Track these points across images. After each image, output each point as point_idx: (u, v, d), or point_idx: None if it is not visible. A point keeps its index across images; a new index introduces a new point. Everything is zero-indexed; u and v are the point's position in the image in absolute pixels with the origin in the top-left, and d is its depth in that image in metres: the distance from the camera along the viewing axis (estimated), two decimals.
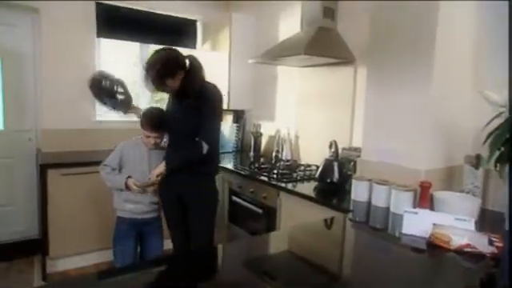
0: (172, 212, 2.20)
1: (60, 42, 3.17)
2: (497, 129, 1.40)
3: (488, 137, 1.41)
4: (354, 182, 2.02)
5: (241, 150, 3.68)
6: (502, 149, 1.37)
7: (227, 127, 3.79)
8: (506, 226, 1.51)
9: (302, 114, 3.03)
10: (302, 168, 2.66)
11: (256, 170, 2.69)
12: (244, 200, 2.65)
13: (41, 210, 2.84)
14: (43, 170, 2.72)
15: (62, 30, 3.18)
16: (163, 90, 2.05)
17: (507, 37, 1.66)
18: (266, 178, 2.47)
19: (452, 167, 1.92)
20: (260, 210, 2.47)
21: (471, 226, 1.39)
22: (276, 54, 2.60)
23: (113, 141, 2.41)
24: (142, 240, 2.34)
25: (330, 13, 2.57)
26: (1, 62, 3.05)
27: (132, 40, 3.62)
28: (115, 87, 2.27)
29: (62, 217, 2.78)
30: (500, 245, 1.25)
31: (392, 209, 1.79)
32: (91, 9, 3.29)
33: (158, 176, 2.08)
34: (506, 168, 1.39)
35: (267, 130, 3.38)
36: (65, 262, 2.90)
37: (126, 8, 3.45)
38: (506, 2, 1.75)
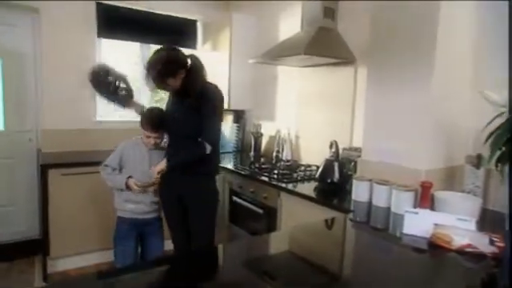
0: (172, 212, 2.20)
1: (60, 42, 3.17)
2: (498, 128, 1.39)
3: (489, 136, 1.41)
4: (354, 182, 2.02)
5: (241, 150, 3.68)
6: (503, 148, 1.37)
7: (227, 127, 3.79)
8: (507, 226, 1.50)
9: (302, 114, 3.03)
10: (303, 168, 2.65)
11: (256, 170, 2.69)
12: (244, 200, 2.65)
13: (41, 210, 2.85)
14: (44, 170, 2.72)
15: (62, 30, 3.18)
16: (164, 89, 2.06)
17: (507, 37, 1.66)
18: (266, 178, 2.47)
19: (453, 167, 1.92)
20: (260, 210, 2.47)
21: (472, 226, 1.39)
22: (276, 54, 2.60)
23: (113, 141, 2.42)
24: (142, 240, 2.34)
25: (330, 13, 2.57)
26: (1, 63, 3.05)
27: (132, 40, 3.62)
28: (116, 81, 2.25)
29: (62, 217, 2.78)
30: (501, 245, 1.25)
31: (393, 209, 1.79)
32: (91, 9, 3.29)
33: (158, 173, 2.07)
34: (506, 168, 1.39)
35: (267, 130, 3.37)
36: (65, 262, 2.90)
37: (126, 8, 3.45)
38: (506, 2, 1.74)
